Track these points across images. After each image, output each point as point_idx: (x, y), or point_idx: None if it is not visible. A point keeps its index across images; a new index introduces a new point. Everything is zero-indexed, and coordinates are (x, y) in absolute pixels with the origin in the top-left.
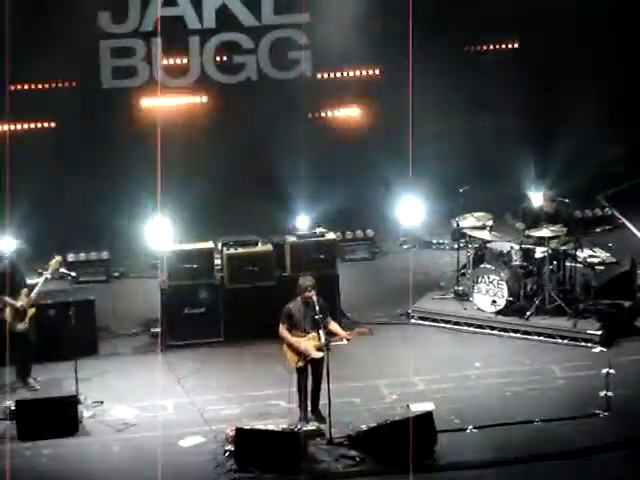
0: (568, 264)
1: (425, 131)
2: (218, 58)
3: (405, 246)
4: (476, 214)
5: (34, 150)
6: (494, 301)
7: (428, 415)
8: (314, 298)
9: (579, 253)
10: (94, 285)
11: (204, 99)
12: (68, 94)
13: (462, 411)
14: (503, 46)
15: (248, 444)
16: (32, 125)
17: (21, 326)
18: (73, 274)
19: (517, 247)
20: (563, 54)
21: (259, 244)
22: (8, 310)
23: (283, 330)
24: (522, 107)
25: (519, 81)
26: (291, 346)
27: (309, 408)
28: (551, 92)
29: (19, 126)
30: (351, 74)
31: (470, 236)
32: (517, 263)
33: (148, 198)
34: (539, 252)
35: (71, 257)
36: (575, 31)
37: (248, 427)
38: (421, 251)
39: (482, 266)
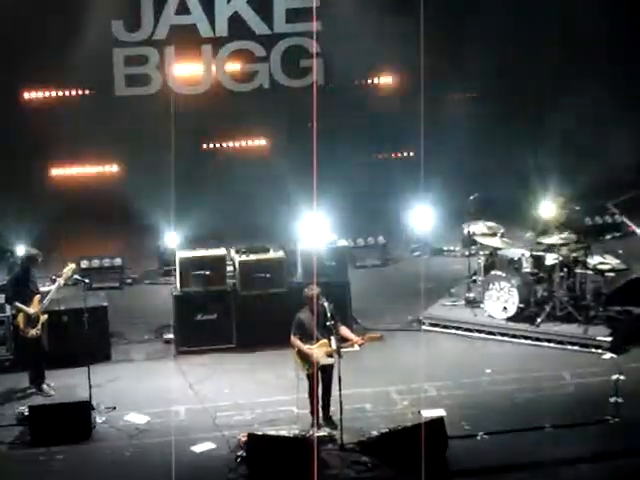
0: (578, 271)
1: None
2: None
3: (416, 253)
4: (488, 223)
5: None
6: (505, 308)
7: (439, 421)
8: (325, 304)
9: (589, 260)
10: (107, 291)
11: None
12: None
13: (473, 417)
14: None
15: (260, 450)
16: None
17: (33, 332)
18: (86, 280)
19: (528, 254)
20: None
21: (271, 251)
22: (21, 316)
23: (295, 340)
24: None
25: None
26: (302, 353)
27: (320, 414)
28: None
29: None
30: None
31: (481, 243)
32: (528, 270)
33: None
34: (550, 259)
35: (84, 264)
36: None
37: (260, 433)
38: (432, 258)
39: (493, 273)
